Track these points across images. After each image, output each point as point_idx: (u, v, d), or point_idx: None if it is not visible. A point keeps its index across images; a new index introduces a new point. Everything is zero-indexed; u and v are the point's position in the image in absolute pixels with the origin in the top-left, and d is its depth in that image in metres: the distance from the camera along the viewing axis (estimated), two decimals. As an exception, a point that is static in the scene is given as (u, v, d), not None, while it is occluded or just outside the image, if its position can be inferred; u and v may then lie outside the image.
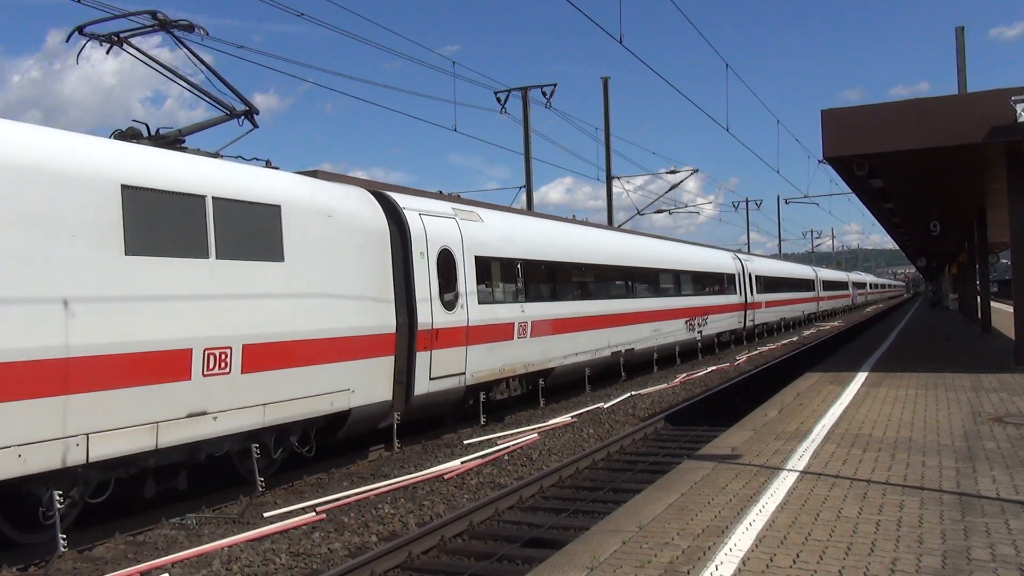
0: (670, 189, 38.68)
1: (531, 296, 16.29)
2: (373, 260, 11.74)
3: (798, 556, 5.38)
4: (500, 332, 14.83)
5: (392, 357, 11.93)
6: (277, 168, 11.29)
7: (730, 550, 5.55)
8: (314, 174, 13.02)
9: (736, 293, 32.50)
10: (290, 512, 9.31)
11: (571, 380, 18.61)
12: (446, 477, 10.93)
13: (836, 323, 54.40)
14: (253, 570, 7.56)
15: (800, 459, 8.35)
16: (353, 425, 11.42)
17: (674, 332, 25.03)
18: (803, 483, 7.34)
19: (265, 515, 9.23)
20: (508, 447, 12.82)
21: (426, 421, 14.26)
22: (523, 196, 30.11)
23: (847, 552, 5.43)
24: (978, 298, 30.23)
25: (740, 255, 36.06)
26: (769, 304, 38.73)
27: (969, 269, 36.91)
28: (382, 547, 7.75)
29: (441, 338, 12.94)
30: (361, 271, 11.42)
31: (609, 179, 35.40)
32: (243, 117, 11.22)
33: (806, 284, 50.63)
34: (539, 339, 16.31)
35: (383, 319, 11.74)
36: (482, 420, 15.13)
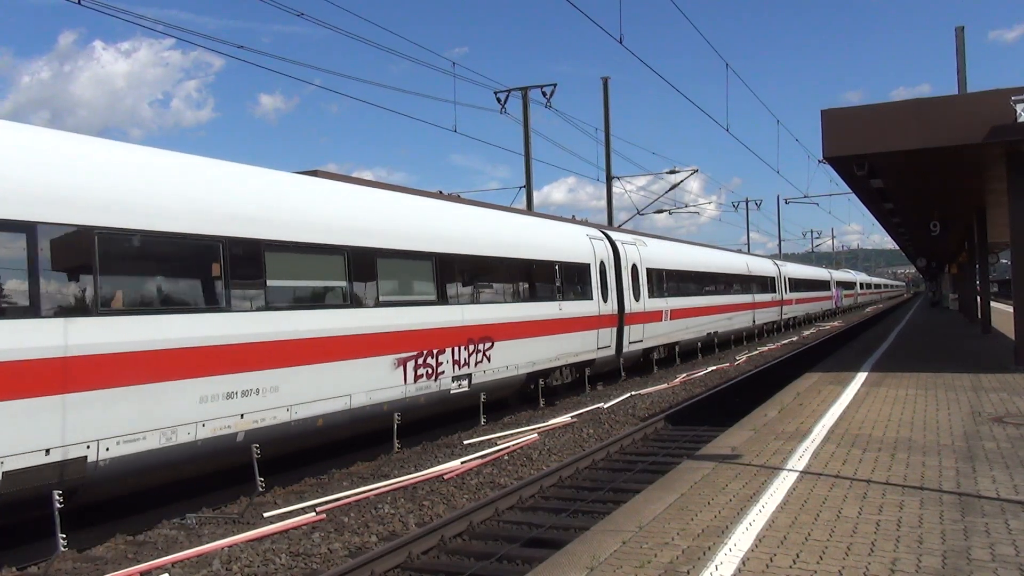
0: (670, 189, 38.66)
1: None
2: None
3: (798, 556, 5.38)
4: None
5: None
6: None
7: (730, 550, 5.55)
8: (314, 173, 13.05)
9: (594, 298, 19.36)
10: (290, 512, 9.31)
11: None
12: (446, 477, 10.93)
13: (836, 323, 54.40)
14: (253, 570, 7.56)
15: (800, 459, 8.35)
16: None
17: (338, 390, 11.16)
18: (803, 483, 7.34)
19: (265, 515, 9.23)
20: (508, 447, 12.82)
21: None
22: (523, 196, 30.15)
23: (847, 552, 5.43)
24: (978, 298, 30.24)
25: (616, 233, 22.88)
26: (678, 314, 25.12)
27: (969, 269, 36.92)
28: (382, 547, 7.75)
29: None
30: None
31: (609, 179, 35.41)
32: None
33: (760, 283, 38.13)
34: None
35: None
36: (482, 420, 15.13)
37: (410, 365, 12.59)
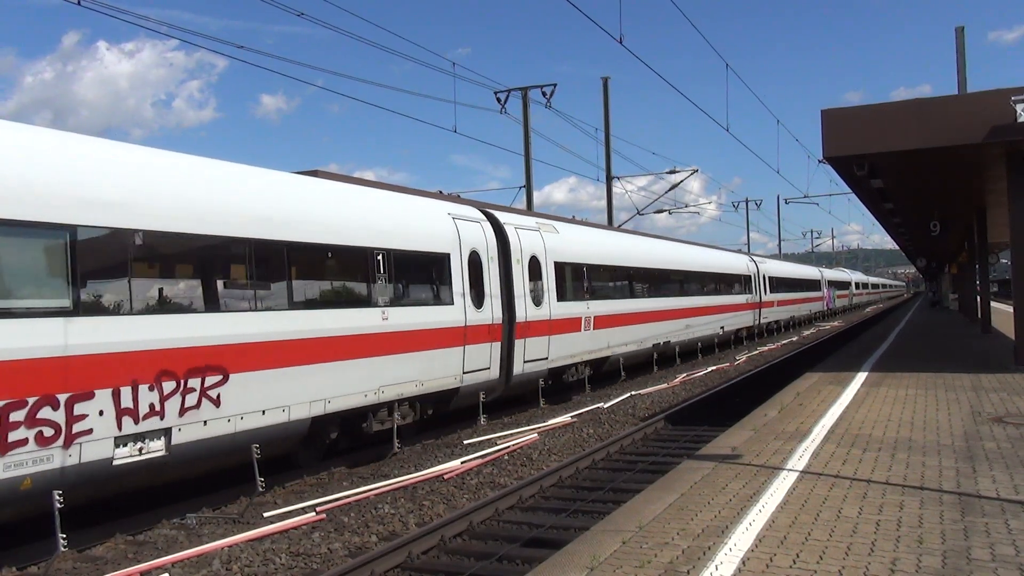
0: (670, 189, 38.69)
1: None
2: None
3: (798, 556, 5.38)
4: None
5: None
6: None
7: (730, 550, 5.55)
8: (315, 173, 13.05)
9: (457, 302, 14.10)
10: (290, 512, 9.31)
11: None
12: (446, 477, 10.93)
13: (836, 323, 54.37)
14: (253, 570, 7.56)
15: (800, 459, 8.35)
16: None
17: None
18: (803, 483, 7.34)
19: (265, 515, 9.23)
20: (508, 447, 12.82)
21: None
22: (524, 196, 30.16)
23: (847, 552, 5.43)
24: (978, 298, 30.25)
25: (508, 214, 17.16)
26: (605, 322, 19.74)
27: (969, 269, 36.93)
28: (382, 547, 7.75)
29: None
30: None
31: (609, 179, 35.43)
32: None
33: (730, 282, 32.99)
34: None
35: None
36: (482, 420, 15.13)
37: None
